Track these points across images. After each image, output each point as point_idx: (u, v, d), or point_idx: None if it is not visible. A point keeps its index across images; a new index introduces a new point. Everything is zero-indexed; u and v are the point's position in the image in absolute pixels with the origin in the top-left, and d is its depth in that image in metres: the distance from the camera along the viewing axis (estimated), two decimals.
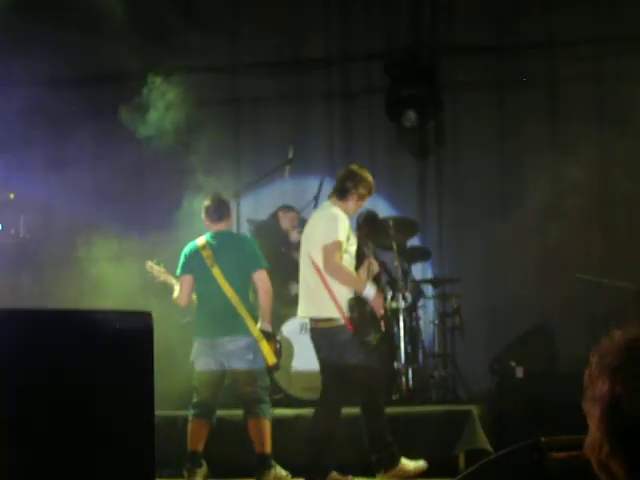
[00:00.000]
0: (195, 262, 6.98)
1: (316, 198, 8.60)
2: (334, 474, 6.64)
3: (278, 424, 7.09)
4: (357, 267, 6.81)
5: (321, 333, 6.67)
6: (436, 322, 8.80)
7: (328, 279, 6.54)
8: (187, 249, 7.09)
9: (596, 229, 9.01)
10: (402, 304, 8.33)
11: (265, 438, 6.80)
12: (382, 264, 8.07)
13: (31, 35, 9.71)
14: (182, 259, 7.07)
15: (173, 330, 7.34)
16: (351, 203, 6.71)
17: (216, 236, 7.10)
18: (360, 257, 6.92)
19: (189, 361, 7.04)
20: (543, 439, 3.50)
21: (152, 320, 3.24)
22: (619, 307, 8.16)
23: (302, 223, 7.91)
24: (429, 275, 9.36)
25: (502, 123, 9.54)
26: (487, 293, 9.25)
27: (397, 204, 9.45)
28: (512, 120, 9.49)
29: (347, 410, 6.82)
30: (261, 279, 6.97)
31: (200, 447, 6.86)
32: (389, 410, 7.60)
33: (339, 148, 9.77)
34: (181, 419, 7.22)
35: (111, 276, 8.28)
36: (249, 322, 6.87)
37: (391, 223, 8.40)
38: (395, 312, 8.31)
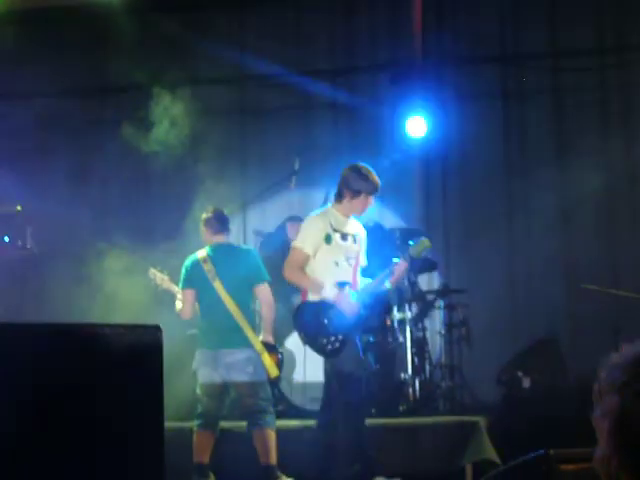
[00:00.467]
0: (196, 275, 7.00)
1: None
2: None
3: (284, 435, 7.09)
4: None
5: None
6: (443, 333, 8.79)
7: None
8: (188, 262, 7.09)
9: (603, 239, 9.00)
10: (409, 315, 8.33)
11: (270, 448, 6.80)
12: None
13: (39, 48, 9.73)
14: (183, 272, 7.09)
15: (178, 341, 7.36)
16: (346, 202, 6.63)
17: (217, 249, 7.10)
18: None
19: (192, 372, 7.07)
20: (552, 451, 3.52)
21: (161, 334, 3.25)
22: (627, 318, 8.15)
23: None
24: (436, 285, 9.36)
25: (508, 132, 9.54)
26: (494, 303, 9.23)
27: (403, 215, 9.45)
28: (518, 129, 9.49)
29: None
30: (263, 293, 7.03)
31: (206, 459, 6.86)
32: (396, 421, 7.62)
33: (345, 159, 9.74)
34: (187, 431, 7.22)
35: (119, 288, 8.29)
36: (250, 335, 6.89)
37: (397, 234, 8.42)
38: (402, 323, 8.31)
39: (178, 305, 7.15)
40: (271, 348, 6.97)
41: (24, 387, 3.11)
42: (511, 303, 9.21)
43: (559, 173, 9.19)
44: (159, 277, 7.35)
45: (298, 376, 8.25)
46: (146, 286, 7.62)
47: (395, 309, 8.28)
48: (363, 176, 6.64)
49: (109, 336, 3.16)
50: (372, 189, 6.65)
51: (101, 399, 3.14)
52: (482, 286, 9.20)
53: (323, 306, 6.54)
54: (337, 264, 6.59)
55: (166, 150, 8.76)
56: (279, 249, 8.59)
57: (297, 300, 7.27)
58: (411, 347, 8.28)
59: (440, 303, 8.94)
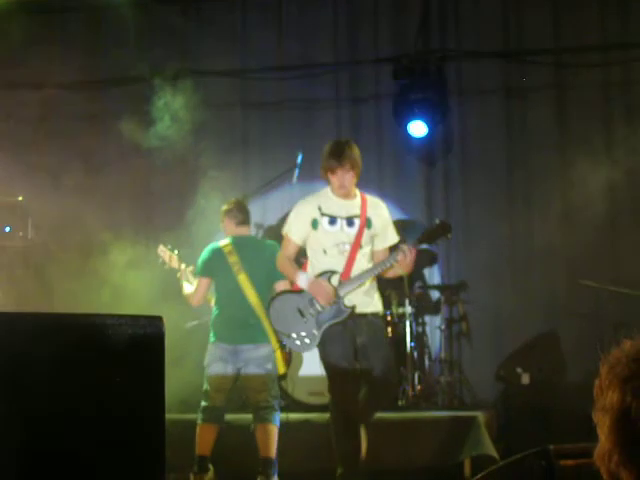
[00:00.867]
0: (218, 265, 6.93)
1: None
2: None
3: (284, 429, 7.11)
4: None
5: None
6: (442, 328, 8.81)
7: None
8: (209, 251, 7.01)
9: (604, 235, 9.00)
10: (409, 309, 8.35)
11: (271, 443, 6.82)
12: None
13: (41, 38, 9.73)
14: (203, 259, 6.99)
15: (177, 335, 7.35)
16: (330, 182, 6.20)
17: (241, 240, 7.06)
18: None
19: (203, 365, 7.00)
20: (552, 447, 3.52)
21: (163, 325, 3.25)
22: (626, 314, 8.17)
23: None
24: (436, 280, 9.37)
25: (510, 129, 9.54)
26: (494, 299, 9.25)
27: (405, 208, 9.45)
28: (520, 126, 9.49)
29: None
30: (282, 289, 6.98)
31: (208, 452, 6.87)
32: (395, 416, 7.63)
33: None
34: (185, 423, 7.22)
35: (121, 280, 8.30)
36: (269, 330, 6.81)
37: (398, 227, 8.42)
38: (402, 317, 8.33)
39: (186, 289, 7.09)
40: (283, 346, 6.97)
41: (23, 377, 3.12)
42: (511, 298, 9.20)
43: (561, 170, 9.19)
44: (167, 255, 7.28)
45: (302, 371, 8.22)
46: (148, 278, 7.62)
47: (395, 303, 8.30)
48: (325, 152, 6.17)
49: (111, 326, 3.17)
50: (331, 163, 6.10)
51: (102, 390, 3.15)
52: (482, 281, 9.21)
53: (294, 298, 6.22)
54: (325, 252, 6.16)
55: (167, 143, 8.78)
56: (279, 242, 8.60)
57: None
58: (410, 342, 8.30)
59: (440, 298, 8.97)
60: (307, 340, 6.16)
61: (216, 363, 6.90)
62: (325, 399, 7.75)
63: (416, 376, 8.30)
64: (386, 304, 8.32)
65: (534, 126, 9.40)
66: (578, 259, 8.87)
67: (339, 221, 6.15)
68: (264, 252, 7.03)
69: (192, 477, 6.83)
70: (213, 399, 6.91)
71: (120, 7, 9.41)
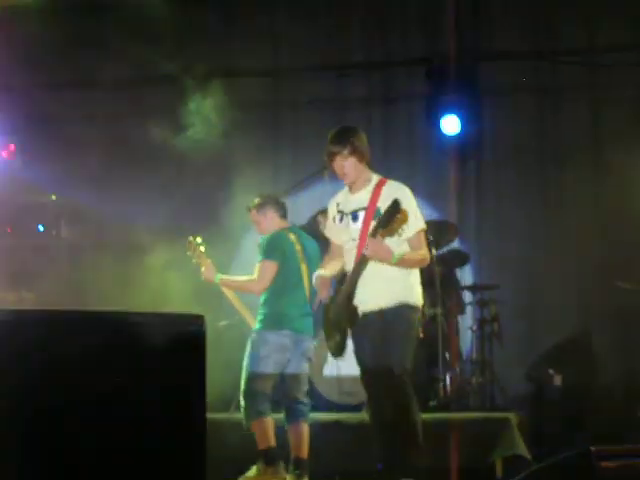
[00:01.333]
0: (287, 251, 6.80)
1: None
2: None
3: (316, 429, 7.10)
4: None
5: None
6: (474, 328, 8.79)
7: None
8: (277, 236, 6.86)
9: (638, 235, 8.94)
10: (440, 310, 8.33)
11: (304, 442, 6.79)
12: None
13: (73, 40, 9.78)
14: (275, 244, 6.81)
15: (214, 334, 7.33)
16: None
17: (297, 231, 7.02)
18: None
19: (234, 362, 6.93)
20: (593, 448, 3.50)
21: (205, 323, 3.28)
22: None
23: None
24: (467, 280, 9.35)
25: (542, 129, 9.51)
26: (526, 299, 9.22)
27: (437, 208, 9.45)
28: (553, 124, 9.46)
29: None
30: None
31: (274, 442, 6.77)
32: (427, 416, 7.60)
33: (378, 152, 9.76)
34: (220, 422, 7.19)
35: (153, 279, 8.32)
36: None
37: (431, 226, 8.43)
38: (433, 318, 8.31)
39: (236, 279, 7.03)
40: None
41: (69, 374, 3.14)
42: (543, 299, 9.18)
43: (595, 170, 9.15)
44: (193, 247, 7.15)
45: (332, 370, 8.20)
46: (181, 276, 7.62)
47: (428, 303, 8.29)
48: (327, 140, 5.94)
49: (155, 324, 3.19)
50: (329, 148, 5.87)
51: (144, 385, 3.17)
52: (514, 282, 9.18)
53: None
54: (346, 250, 5.92)
55: (199, 142, 8.79)
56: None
57: None
58: (442, 343, 8.28)
59: (472, 299, 8.95)
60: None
61: (277, 352, 6.71)
62: (357, 399, 7.80)
63: (448, 377, 8.28)
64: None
65: (567, 126, 9.38)
66: (612, 260, 8.82)
67: (344, 217, 5.92)
68: (315, 245, 7.01)
69: (261, 470, 6.73)
70: (268, 391, 6.73)
71: (151, 7, 9.44)
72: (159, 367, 3.21)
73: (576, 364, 8.70)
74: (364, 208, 5.79)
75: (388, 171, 9.79)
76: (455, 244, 9.15)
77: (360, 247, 5.71)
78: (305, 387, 6.89)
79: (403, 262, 5.67)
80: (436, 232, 8.50)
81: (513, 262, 9.27)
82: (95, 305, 8.33)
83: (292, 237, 6.93)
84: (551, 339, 8.97)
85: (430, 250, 8.33)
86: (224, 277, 6.99)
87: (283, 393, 6.90)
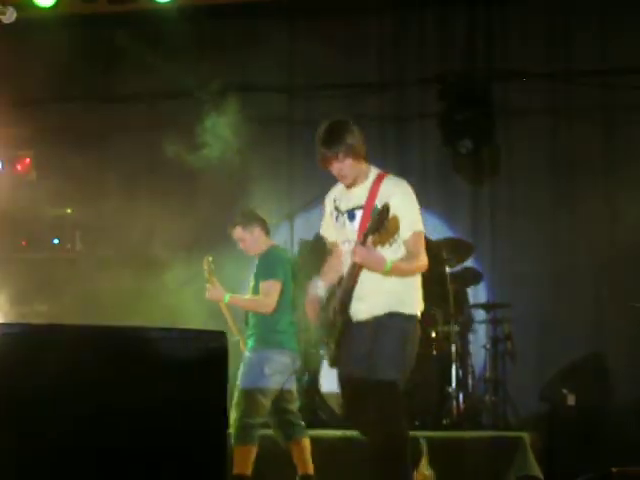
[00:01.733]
0: (287, 270, 6.84)
1: None
2: None
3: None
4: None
5: None
6: (487, 347, 8.78)
7: None
8: (277, 255, 6.90)
9: None
10: (454, 328, 8.33)
11: (309, 458, 6.76)
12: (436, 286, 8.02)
13: (90, 53, 9.83)
14: (275, 262, 6.82)
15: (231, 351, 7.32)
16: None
17: (284, 249, 7.21)
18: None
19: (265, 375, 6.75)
20: (614, 469, 3.49)
21: (226, 339, 3.28)
22: None
23: None
24: (481, 298, 9.34)
25: (556, 146, 9.52)
26: (539, 318, 9.21)
27: (451, 226, 9.46)
28: (566, 143, 9.47)
29: None
30: None
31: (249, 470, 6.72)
32: (440, 434, 7.58)
33: (392, 170, 9.76)
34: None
35: (168, 296, 8.33)
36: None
37: (445, 245, 8.46)
38: (447, 336, 8.31)
39: (241, 298, 6.97)
40: None
41: (83, 389, 3.14)
42: (557, 317, 9.17)
43: (608, 190, 9.15)
44: (208, 270, 7.12)
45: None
46: (195, 293, 7.61)
47: (441, 322, 8.30)
48: (317, 138, 5.42)
49: (176, 340, 3.19)
50: (323, 152, 5.36)
51: (166, 400, 3.17)
52: (528, 300, 9.18)
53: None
54: (344, 251, 5.42)
55: (214, 158, 8.79)
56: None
57: None
58: (455, 361, 8.27)
59: (485, 317, 8.95)
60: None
61: (281, 370, 6.70)
62: None
63: (461, 395, 8.26)
64: (431, 322, 8.34)
65: (581, 144, 9.37)
66: (626, 278, 8.81)
67: (340, 216, 5.40)
68: (294, 262, 7.15)
69: None
70: (261, 415, 6.67)
71: (169, 22, 9.47)
72: (180, 383, 3.21)
73: (590, 383, 8.67)
74: (361, 207, 5.29)
75: None
76: (469, 262, 9.16)
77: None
78: (296, 403, 6.89)
79: (397, 271, 5.16)
80: (451, 250, 8.53)
81: (527, 280, 9.26)
82: (110, 319, 8.32)
83: (285, 255, 7.00)
84: (565, 358, 8.95)
85: (444, 267, 8.45)
86: (235, 296, 6.97)
87: (281, 409, 6.83)
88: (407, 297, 5.30)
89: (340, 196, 5.41)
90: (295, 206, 9.18)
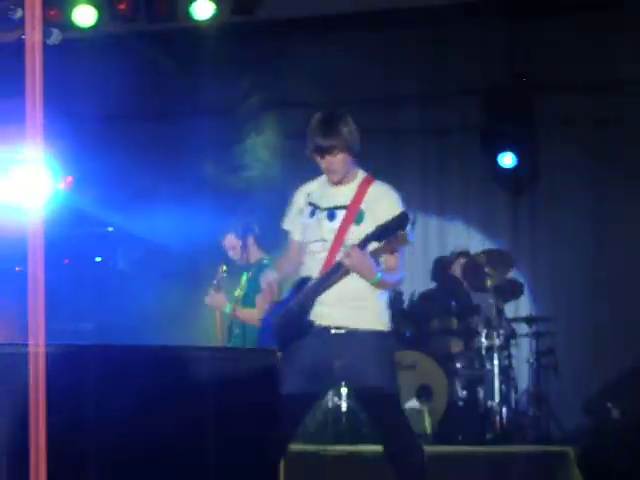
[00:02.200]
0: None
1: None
2: None
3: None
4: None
5: None
6: (530, 361, 8.74)
7: None
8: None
9: None
10: (496, 342, 8.29)
11: None
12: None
13: (130, 69, 9.89)
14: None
15: None
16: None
17: None
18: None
19: None
20: None
21: (277, 357, 3.29)
22: None
23: None
24: (523, 311, 9.30)
25: (598, 159, 9.46)
26: (582, 331, 9.16)
27: (491, 238, 9.45)
28: (608, 157, 9.41)
29: None
30: None
31: None
32: (483, 449, 7.53)
33: (432, 183, 9.79)
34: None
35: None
36: None
37: (486, 257, 8.43)
38: (489, 350, 8.27)
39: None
40: None
41: (146, 409, 3.16)
42: (600, 331, 9.11)
43: None
44: (218, 277, 6.99)
45: None
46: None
47: (483, 335, 8.27)
48: (311, 128, 5.02)
49: (227, 359, 3.20)
50: (318, 142, 4.95)
51: (219, 418, 3.18)
52: (570, 313, 9.13)
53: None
54: (310, 252, 5.04)
55: (251, 172, 8.81)
56: None
57: None
58: (498, 375, 8.23)
59: (527, 330, 8.90)
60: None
61: None
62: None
63: (504, 409, 8.21)
64: (473, 335, 8.33)
65: (623, 158, 9.31)
66: None
67: (317, 212, 5.01)
68: None
69: None
70: None
71: (205, 39, 9.51)
72: (233, 401, 3.22)
73: (636, 397, 8.59)
74: (344, 207, 4.94)
75: (442, 202, 9.86)
76: (510, 274, 9.12)
77: (332, 251, 4.90)
78: None
79: (382, 284, 4.88)
80: (492, 262, 8.48)
81: (569, 293, 9.21)
82: (155, 337, 8.36)
83: None
84: (609, 371, 8.87)
85: (486, 280, 8.41)
86: (242, 310, 6.85)
87: None
88: (382, 312, 4.98)
89: (319, 192, 5.07)
90: None
